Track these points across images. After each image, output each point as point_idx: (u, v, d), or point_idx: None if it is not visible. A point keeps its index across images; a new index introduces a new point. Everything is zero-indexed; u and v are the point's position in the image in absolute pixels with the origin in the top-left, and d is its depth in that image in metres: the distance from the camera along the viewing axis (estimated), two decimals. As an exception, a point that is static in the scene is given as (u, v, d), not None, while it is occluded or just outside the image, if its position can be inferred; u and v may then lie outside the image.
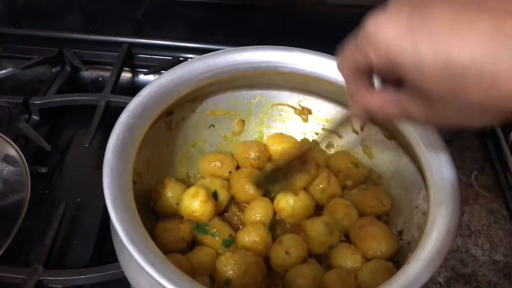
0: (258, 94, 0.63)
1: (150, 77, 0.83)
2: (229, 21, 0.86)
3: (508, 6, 0.24)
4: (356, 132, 0.61)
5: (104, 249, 0.59)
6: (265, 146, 0.63)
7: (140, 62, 0.85)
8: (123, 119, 0.49)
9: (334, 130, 0.61)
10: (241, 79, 0.59)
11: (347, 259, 0.51)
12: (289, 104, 0.64)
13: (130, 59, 0.84)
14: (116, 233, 0.41)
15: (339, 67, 0.35)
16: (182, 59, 0.84)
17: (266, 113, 0.65)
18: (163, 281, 0.38)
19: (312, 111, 0.64)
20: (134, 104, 0.51)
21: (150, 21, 0.86)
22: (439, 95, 0.27)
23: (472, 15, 0.25)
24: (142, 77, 0.85)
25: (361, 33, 0.30)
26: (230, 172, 0.61)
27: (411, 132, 0.50)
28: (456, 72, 0.25)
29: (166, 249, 0.49)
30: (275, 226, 0.57)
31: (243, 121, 0.65)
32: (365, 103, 0.33)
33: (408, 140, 0.50)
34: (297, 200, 0.56)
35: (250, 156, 0.61)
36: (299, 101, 0.64)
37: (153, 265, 0.39)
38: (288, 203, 0.56)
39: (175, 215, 0.56)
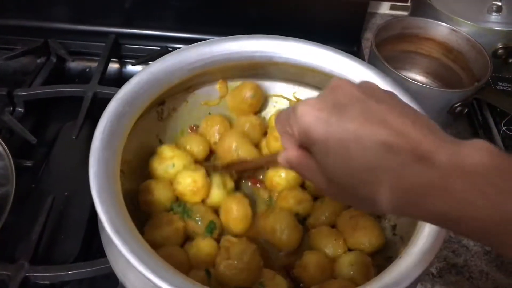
0: None
1: (138, 68, 0.81)
2: (220, 10, 0.84)
3: (400, 126, 0.30)
4: None
5: (92, 244, 0.58)
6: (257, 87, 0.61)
7: (128, 52, 0.84)
8: (112, 107, 0.48)
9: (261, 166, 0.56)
10: (234, 69, 0.58)
11: (329, 244, 0.51)
12: (284, 95, 0.63)
13: (117, 49, 0.83)
14: (102, 225, 0.40)
15: (275, 124, 0.39)
16: (170, 49, 0.82)
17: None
18: (149, 274, 0.37)
19: None
20: (124, 92, 0.50)
21: (138, 10, 0.84)
22: (338, 180, 0.33)
23: (373, 129, 0.30)
24: (130, 68, 0.83)
25: (293, 111, 0.34)
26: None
27: None
28: (352, 168, 0.31)
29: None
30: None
31: None
32: (288, 156, 0.37)
33: None
34: (289, 172, 0.55)
35: (246, 95, 0.60)
36: (294, 92, 0.63)
37: (139, 257, 0.38)
38: (281, 177, 0.56)
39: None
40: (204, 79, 0.59)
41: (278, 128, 0.38)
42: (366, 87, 0.33)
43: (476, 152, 0.28)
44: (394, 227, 0.53)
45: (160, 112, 0.58)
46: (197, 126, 0.62)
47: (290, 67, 0.57)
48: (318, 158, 0.33)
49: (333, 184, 0.33)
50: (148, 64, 0.78)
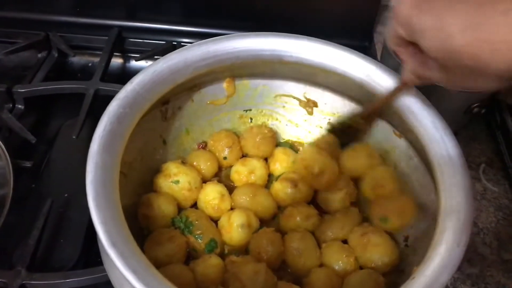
0: (261, 84, 0.60)
1: (142, 63, 0.79)
2: (227, 3, 0.81)
3: None
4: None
5: (93, 249, 0.56)
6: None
7: (132, 46, 0.81)
8: (112, 108, 0.46)
9: (385, 103, 0.51)
10: (242, 68, 0.55)
11: (340, 261, 0.49)
12: (294, 95, 0.61)
13: (121, 43, 0.80)
14: (99, 236, 0.38)
15: (388, 45, 0.42)
16: (175, 43, 0.80)
17: (270, 104, 0.62)
18: None
19: (318, 104, 0.60)
20: (125, 92, 0.47)
21: (142, 3, 0.81)
22: (442, 60, 0.35)
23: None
24: (133, 63, 0.81)
25: (393, 16, 0.37)
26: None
27: (422, 129, 0.47)
28: (447, 38, 0.32)
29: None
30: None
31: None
32: (412, 64, 0.40)
33: (419, 139, 0.47)
34: (296, 192, 0.54)
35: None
36: (305, 92, 0.60)
37: (134, 271, 0.36)
38: (286, 194, 0.54)
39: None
40: (211, 77, 0.56)
41: (392, 46, 0.41)
42: None
43: None
44: (406, 238, 0.51)
45: (164, 112, 0.56)
46: (205, 143, 0.60)
47: (302, 66, 0.54)
48: (422, 44, 0.35)
49: (444, 70, 0.36)
50: (153, 59, 0.77)
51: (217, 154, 0.58)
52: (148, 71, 0.49)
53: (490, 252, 0.59)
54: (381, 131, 0.56)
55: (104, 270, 0.49)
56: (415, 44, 0.37)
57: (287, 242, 0.50)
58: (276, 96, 0.61)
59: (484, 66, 0.31)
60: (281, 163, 0.59)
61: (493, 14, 0.30)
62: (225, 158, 0.58)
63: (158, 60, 0.50)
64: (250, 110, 0.62)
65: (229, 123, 0.62)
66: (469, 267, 0.58)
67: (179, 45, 0.79)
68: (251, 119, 0.62)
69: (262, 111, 0.62)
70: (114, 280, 0.43)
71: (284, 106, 0.61)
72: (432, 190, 0.46)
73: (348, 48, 0.53)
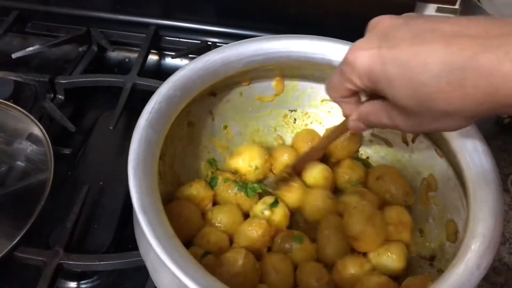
0: (309, 87, 0.61)
1: (177, 61, 0.81)
2: (262, 6, 0.83)
3: (453, 29, 0.29)
4: (407, 143, 0.57)
5: (124, 235, 0.58)
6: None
7: (168, 45, 0.83)
8: (163, 89, 0.49)
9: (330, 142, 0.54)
10: (292, 68, 0.57)
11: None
12: None
13: (157, 41, 0.82)
14: (134, 208, 0.40)
15: (329, 95, 0.40)
16: (210, 43, 0.82)
17: (316, 108, 0.62)
18: (184, 278, 0.37)
19: None
20: (177, 76, 0.50)
21: (179, 2, 0.83)
22: (412, 108, 0.32)
23: (427, 39, 0.30)
24: (169, 61, 0.83)
25: (344, 63, 0.35)
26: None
27: (463, 155, 0.46)
28: (419, 87, 0.30)
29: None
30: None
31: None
32: (360, 114, 0.39)
33: (459, 162, 0.46)
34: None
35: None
36: None
37: (158, 238, 0.38)
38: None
39: None
40: (261, 74, 0.58)
41: (333, 97, 0.39)
42: (407, 14, 0.33)
43: None
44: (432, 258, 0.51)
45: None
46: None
47: None
48: (388, 93, 0.33)
49: (410, 116, 0.33)
50: (188, 58, 0.79)
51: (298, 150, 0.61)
52: (201, 60, 0.52)
53: (516, 263, 0.59)
54: (425, 150, 0.55)
55: (136, 255, 0.51)
56: (372, 94, 0.36)
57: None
58: (323, 101, 0.61)
59: (459, 110, 0.30)
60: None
61: (463, 57, 0.28)
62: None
63: (211, 51, 0.53)
64: (295, 110, 0.63)
65: (273, 120, 0.63)
66: (494, 276, 0.58)
67: (214, 45, 0.82)
68: (295, 119, 0.63)
69: (307, 113, 0.63)
70: (140, 246, 0.46)
71: (329, 112, 0.62)
72: (463, 211, 0.47)
73: None
